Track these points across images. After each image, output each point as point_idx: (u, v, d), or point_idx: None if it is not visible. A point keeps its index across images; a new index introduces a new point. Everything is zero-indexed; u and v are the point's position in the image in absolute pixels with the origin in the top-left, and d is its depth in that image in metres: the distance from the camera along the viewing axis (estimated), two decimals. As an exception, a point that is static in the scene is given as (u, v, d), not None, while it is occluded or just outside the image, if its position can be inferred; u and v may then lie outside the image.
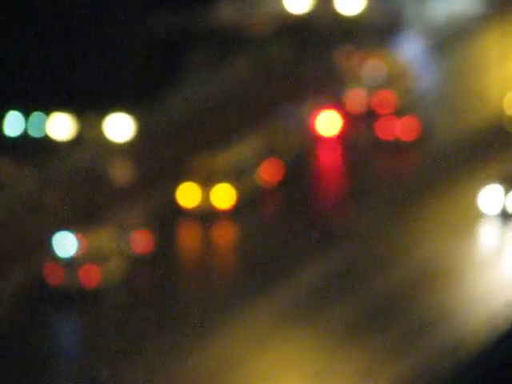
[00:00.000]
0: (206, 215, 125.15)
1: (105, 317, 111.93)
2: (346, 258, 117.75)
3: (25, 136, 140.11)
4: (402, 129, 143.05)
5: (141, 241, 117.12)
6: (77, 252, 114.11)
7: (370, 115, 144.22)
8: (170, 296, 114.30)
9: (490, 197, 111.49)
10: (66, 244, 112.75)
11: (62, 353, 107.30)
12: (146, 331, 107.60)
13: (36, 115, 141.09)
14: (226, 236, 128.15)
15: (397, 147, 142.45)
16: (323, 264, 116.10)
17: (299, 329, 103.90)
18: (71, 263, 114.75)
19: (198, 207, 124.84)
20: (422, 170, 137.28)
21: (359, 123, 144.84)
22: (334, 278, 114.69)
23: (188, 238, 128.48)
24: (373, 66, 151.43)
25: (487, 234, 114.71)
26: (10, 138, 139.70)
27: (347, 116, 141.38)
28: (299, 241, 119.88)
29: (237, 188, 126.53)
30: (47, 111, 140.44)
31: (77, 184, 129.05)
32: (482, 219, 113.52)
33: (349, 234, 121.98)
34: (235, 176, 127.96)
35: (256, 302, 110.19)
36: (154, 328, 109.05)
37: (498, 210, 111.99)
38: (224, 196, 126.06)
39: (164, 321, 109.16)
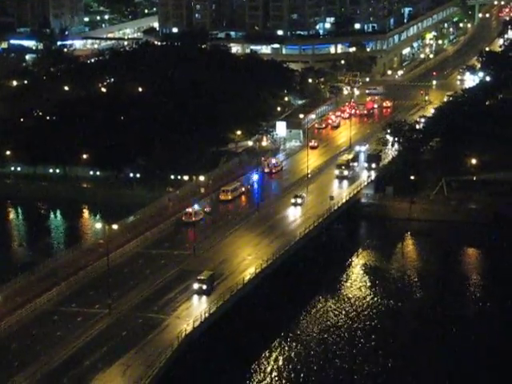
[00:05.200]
0: (225, 201, 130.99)
1: (198, 227, 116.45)
2: (263, 216, 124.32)
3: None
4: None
5: (208, 208, 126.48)
6: (192, 211, 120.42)
7: (271, 172, 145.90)
8: (216, 222, 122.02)
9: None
10: (189, 209, 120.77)
11: (185, 243, 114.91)
12: (209, 233, 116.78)
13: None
14: (229, 206, 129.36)
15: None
16: (258, 218, 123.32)
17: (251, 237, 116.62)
18: (189, 214, 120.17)
19: (223, 199, 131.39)
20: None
21: (270, 175, 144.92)
22: (261, 219, 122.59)
23: (220, 207, 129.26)
24: (273, 160, 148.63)
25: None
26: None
27: (266, 173, 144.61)
28: (250, 212, 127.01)
29: (233, 194, 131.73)
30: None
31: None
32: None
33: (266, 209, 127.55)
34: (233, 191, 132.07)
35: (237, 228, 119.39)
36: (215, 231, 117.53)
37: None
38: (231, 195, 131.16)
39: (216, 228, 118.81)
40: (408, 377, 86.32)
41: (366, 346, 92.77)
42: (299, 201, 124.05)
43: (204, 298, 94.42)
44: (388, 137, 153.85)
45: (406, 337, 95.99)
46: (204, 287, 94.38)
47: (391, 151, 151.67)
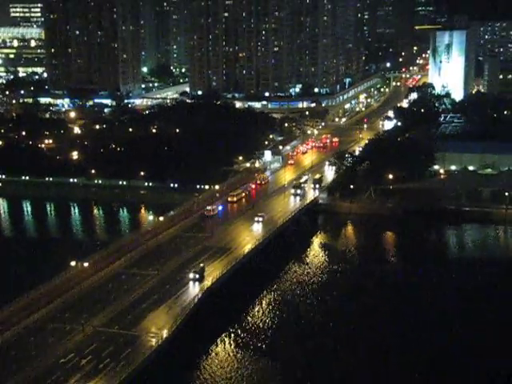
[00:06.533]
0: (232, 202, 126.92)
1: (214, 219, 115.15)
2: (256, 211, 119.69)
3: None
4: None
5: (221, 206, 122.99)
6: (211, 208, 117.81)
7: (261, 183, 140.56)
8: (226, 217, 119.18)
9: None
10: (208, 208, 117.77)
11: (206, 229, 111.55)
12: (222, 222, 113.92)
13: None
14: (234, 205, 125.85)
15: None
16: (253, 213, 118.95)
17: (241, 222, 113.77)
18: (208, 211, 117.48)
19: (230, 200, 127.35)
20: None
21: (260, 185, 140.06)
22: (255, 213, 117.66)
23: (230, 207, 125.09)
24: (262, 175, 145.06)
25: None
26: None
27: (258, 184, 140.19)
28: (248, 209, 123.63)
29: (238, 197, 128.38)
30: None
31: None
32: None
33: (258, 207, 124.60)
34: (237, 195, 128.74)
35: (239, 219, 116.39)
36: (225, 221, 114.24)
37: None
38: (236, 198, 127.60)
39: (226, 219, 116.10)
40: (348, 311, 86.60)
41: (321, 293, 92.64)
42: (260, 219, 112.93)
43: (223, 262, 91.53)
44: (327, 165, 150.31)
45: (347, 287, 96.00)
46: (197, 276, 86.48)
47: (331, 175, 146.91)
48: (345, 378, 71.64)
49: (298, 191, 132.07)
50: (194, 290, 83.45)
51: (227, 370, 72.47)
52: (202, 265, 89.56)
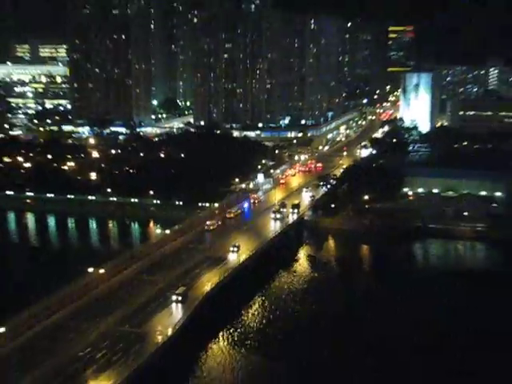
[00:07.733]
0: (229, 218, 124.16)
1: (214, 232, 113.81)
2: (250, 226, 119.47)
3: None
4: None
5: (219, 222, 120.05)
6: (210, 223, 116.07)
7: (255, 202, 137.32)
8: (225, 227, 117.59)
9: None
10: (209, 222, 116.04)
11: (206, 241, 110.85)
12: (220, 235, 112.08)
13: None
14: (231, 221, 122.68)
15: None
16: (247, 227, 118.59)
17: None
18: (208, 225, 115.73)
19: (228, 217, 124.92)
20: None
21: (254, 204, 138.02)
22: (249, 228, 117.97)
23: (227, 222, 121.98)
24: (255, 195, 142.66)
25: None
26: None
27: (251, 203, 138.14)
28: (243, 224, 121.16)
29: (234, 214, 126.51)
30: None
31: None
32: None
33: (251, 223, 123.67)
34: (234, 212, 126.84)
35: (236, 233, 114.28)
36: (223, 235, 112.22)
37: None
38: (233, 214, 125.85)
39: (224, 233, 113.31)
40: (329, 311, 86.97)
41: (305, 298, 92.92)
42: (235, 249, 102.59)
43: (221, 270, 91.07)
44: (304, 192, 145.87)
45: (328, 292, 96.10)
46: (179, 298, 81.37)
47: (308, 200, 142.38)
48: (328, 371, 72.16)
49: (278, 215, 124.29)
50: (194, 294, 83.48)
51: (224, 363, 73.05)
52: (184, 288, 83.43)
